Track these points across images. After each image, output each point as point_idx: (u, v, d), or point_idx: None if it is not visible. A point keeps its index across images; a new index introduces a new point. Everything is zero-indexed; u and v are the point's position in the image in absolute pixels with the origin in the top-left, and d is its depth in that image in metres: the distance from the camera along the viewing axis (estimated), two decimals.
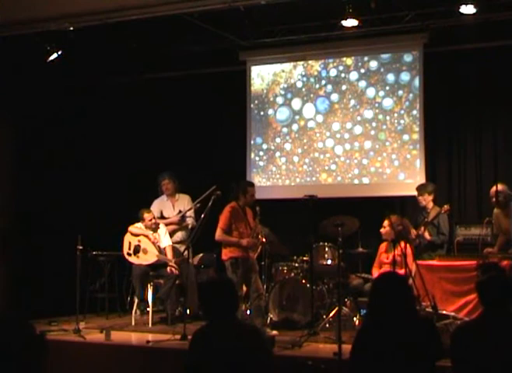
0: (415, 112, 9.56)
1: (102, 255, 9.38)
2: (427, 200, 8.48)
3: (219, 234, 7.90)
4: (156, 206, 9.07)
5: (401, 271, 7.21)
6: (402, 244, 7.11)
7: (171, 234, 8.91)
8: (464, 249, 7.93)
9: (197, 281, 8.86)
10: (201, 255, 9.31)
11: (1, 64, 8.83)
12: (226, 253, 7.92)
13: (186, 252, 7.93)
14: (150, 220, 8.81)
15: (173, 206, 9.01)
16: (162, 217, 9.02)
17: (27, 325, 2.52)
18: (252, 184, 8.37)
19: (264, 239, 8.23)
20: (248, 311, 8.11)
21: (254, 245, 7.99)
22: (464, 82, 9.31)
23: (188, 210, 8.73)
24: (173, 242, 8.82)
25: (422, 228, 8.25)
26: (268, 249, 8.78)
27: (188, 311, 8.23)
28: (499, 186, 7.79)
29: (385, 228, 8.27)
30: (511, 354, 3.75)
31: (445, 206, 8.24)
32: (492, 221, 7.80)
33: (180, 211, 8.81)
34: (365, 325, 4.30)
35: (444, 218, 8.34)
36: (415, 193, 9.12)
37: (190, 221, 8.86)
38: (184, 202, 8.89)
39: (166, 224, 8.91)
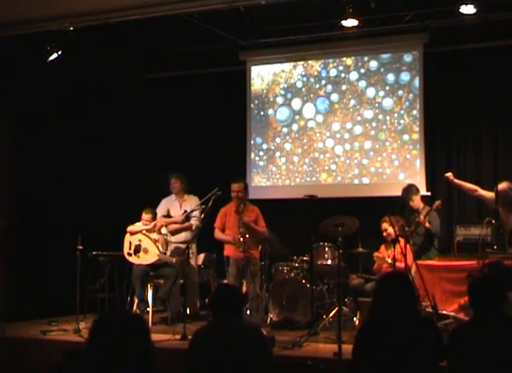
0: (415, 112, 9.56)
1: (102, 255, 9.36)
2: (416, 201, 8.48)
3: (215, 232, 8.36)
4: (164, 204, 9.04)
5: (401, 265, 7.23)
6: (402, 243, 7.11)
7: (174, 233, 8.90)
8: (464, 249, 7.92)
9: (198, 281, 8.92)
10: (202, 255, 9.33)
11: (1, 64, 8.83)
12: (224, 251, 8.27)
13: (186, 252, 7.93)
14: (147, 220, 8.80)
15: (180, 206, 8.98)
16: (168, 215, 9.00)
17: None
18: (233, 180, 8.36)
19: (241, 238, 8.01)
20: (248, 312, 8.11)
21: (236, 241, 8.00)
22: (464, 82, 9.30)
23: (192, 211, 8.69)
24: (176, 242, 8.80)
25: (413, 227, 8.25)
26: (268, 249, 8.78)
27: (188, 311, 8.23)
28: (501, 185, 7.78)
29: (387, 230, 8.23)
30: (505, 355, 3.76)
31: (436, 202, 8.23)
32: (492, 221, 7.79)
33: (185, 211, 8.79)
34: (366, 326, 4.30)
35: (434, 215, 8.31)
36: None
37: (194, 221, 8.79)
38: (191, 203, 8.85)
39: (170, 223, 8.89)
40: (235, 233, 8.06)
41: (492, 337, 3.81)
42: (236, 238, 8.01)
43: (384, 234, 8.31)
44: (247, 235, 7.94)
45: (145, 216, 8.80)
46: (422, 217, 8.21)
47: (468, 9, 8.41)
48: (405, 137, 9.61)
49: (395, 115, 9.67)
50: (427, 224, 8.22)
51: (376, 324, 4.04)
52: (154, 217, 8.87)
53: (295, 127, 10.19)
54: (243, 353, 3.96)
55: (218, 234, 8.31)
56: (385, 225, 8.24)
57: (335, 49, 9.96)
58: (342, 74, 9.98)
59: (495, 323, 3.87)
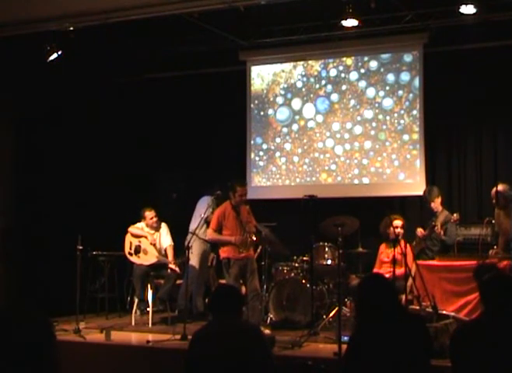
0: (415, 112, 9.56)
1: (102, 255, 9.38)
2: (437, 204, 8.43)
3: (209, 233, 8.20)
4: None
5: (401, 270, 7.22)
6: (402, 243, 7.11)
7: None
8: (464, 249, 7.93)
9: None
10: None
11: (1, 64, 8.83)
12: (220, 253, 8.09)
13: (186, 253, 7.93)
14: (151, 218, 8.81)
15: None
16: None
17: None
18: (242, 183, 8.22)
19: (254, 238, 7.97)
20: (247, 311, 8.10)
21: (244, 243, 7.89)
22: (464, 82, 9.30)
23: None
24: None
25: (428, 232, 8.21)
26: (268, 249, 8.78)
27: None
28: (500, 187, 7.77)
29: (397, 227, 7.83)
30: (511, 355, 3.74)
31: (454, 215, 8.02)
32: (492, 221, 7.79)
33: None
34: (356, 329, 4.34)
35: (452, 228, 8.18)
36: (415, 193, 9.15)
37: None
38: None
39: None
40: (238, 234, 7.92)
41: (499, 337, 3.78)
42: (245, 239, 7.91)
43: (397, 230, 7.70)
44: (254, 238, 7.95)
45: (149, 214, 8.81)
46: (438, 226, 8.12)
47: (468, 9, 8.40)
48: (405, 137, 9.61)
49: (395, 115, 9.67)
50: (443, 237, 8.13)
51: (363, 325, 4.06)
52: (157, 215, 8.87)
53: (295, 127, 10.19)
54: (243, 353, 3.97)
55: (214, 235, 8.04)
56: (397, 222, 7.89)
57: (335, 49, 9.95)
58: (342, 74, 9.98)
59: (503, 323, 3.84)
